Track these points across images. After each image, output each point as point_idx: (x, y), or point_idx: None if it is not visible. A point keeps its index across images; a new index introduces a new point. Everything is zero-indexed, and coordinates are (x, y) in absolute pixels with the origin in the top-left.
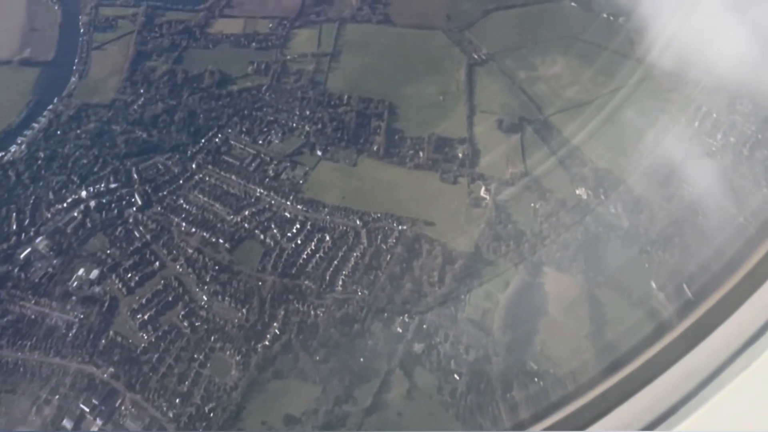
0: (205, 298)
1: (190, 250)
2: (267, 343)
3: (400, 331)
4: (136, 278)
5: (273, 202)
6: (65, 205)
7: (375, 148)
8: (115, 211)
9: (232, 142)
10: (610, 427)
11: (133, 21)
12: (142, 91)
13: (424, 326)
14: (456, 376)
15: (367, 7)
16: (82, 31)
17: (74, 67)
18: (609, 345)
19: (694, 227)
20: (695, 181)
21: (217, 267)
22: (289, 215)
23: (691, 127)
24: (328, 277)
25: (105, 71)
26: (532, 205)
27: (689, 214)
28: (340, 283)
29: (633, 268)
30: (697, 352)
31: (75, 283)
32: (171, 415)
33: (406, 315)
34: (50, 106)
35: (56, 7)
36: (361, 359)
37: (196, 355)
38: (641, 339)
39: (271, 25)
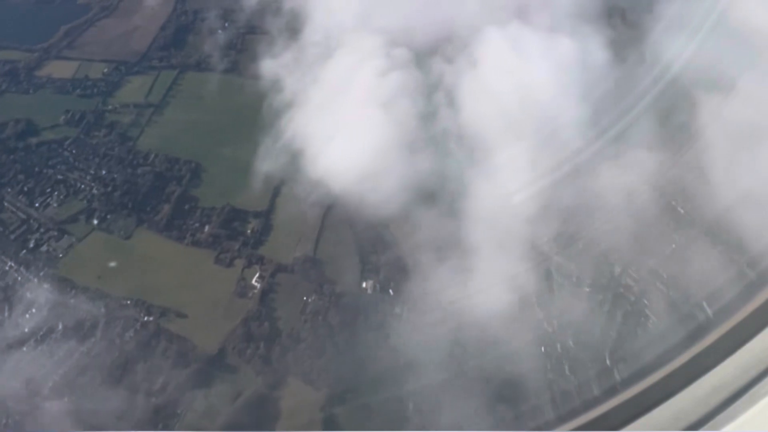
0: None
1: None
2: None
3: None
4: None
5: (20, 278)
6: None
7: (158, 219)
8: None
9: (6, 204)
10: (649, 426)
11: None
12: None
13: None
14: None
15: (217, 53)
16: None
17: None
18: None
19: (480, 339)
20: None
21: None
22: (30, 296)
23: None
24: (38, 379)
25: None
26: (305, 298)
27: (484, 320)
28: (50, 385)
29: (392, 385)
30: (742, 352)
31: None
32: None
33: None
34: None
35: None
36: None
37: None
38: None
39: (105, 70)
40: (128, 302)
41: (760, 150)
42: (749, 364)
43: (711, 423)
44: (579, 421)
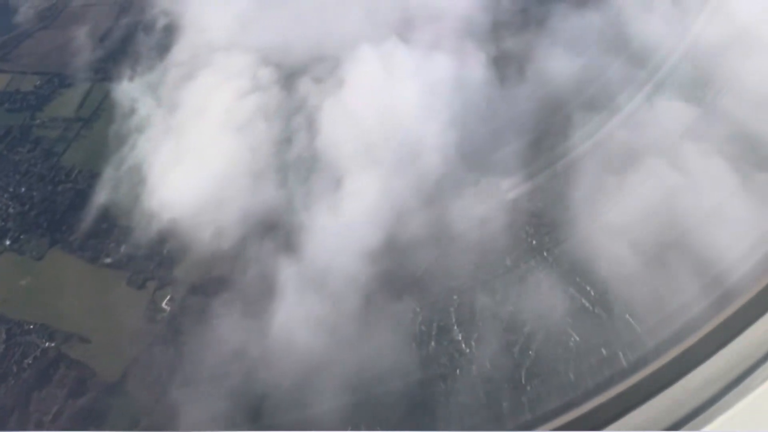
0: None
1: None
2: None
3: None
4: None
5: None
6: None
7: (73, 238)
8: None
9: None
10: (630, 427)
11: None
12: None
13: None
14: None
15: (156, 65)
16: None
17: None
18: None
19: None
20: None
21: None
22: None
23: None
24: None
25: None
26: (215, 321)
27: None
28: None
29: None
30: (725, 353)
31: None
32: None
33: None
34: None
35: None
36: None
37: None
38: None
39: (38, 82)
40: (31, 327)
41: (637, 177)
42: (736, 360)
43: (691, 423)
44: (561, 421)
